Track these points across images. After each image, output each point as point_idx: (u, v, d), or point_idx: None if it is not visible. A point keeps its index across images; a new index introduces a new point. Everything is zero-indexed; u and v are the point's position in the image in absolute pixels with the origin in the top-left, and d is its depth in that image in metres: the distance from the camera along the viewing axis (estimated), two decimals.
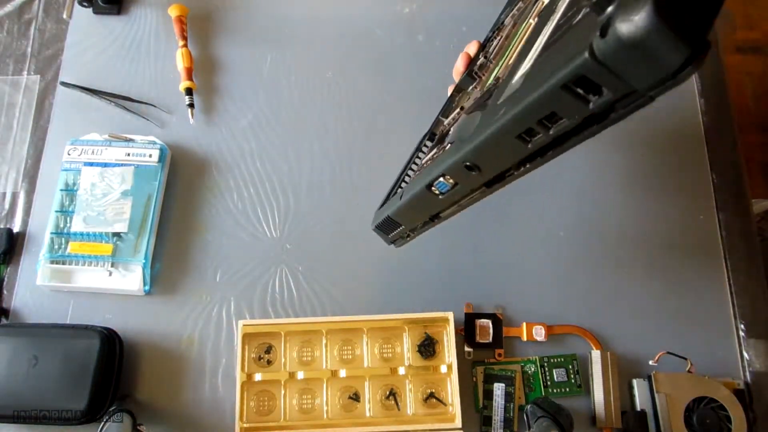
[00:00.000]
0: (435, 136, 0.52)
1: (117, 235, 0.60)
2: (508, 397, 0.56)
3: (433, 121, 0.54)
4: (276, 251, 0.63)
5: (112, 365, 0.55)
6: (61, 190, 0.62)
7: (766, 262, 0.63)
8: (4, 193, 0.66)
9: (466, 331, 0.58)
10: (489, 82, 0.43)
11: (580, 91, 0.26)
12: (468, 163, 0.36)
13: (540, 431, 0.51)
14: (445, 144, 0.43)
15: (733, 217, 0.64)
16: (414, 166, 0.53)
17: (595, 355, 0.57)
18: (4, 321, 0.60)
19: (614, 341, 0.59)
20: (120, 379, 0.56)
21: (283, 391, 0.56)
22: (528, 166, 0.33)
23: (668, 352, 0.56)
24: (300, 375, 0.56)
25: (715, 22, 0.25)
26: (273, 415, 0.56)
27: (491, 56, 0.51)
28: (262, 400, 0.56)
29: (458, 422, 0.54)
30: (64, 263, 0.60)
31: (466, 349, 0.58)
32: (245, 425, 0.54)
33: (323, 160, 0.66)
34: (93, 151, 0.63)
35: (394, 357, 0.57)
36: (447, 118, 0.52)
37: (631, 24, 0.22)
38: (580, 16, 0.27)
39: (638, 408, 0.56)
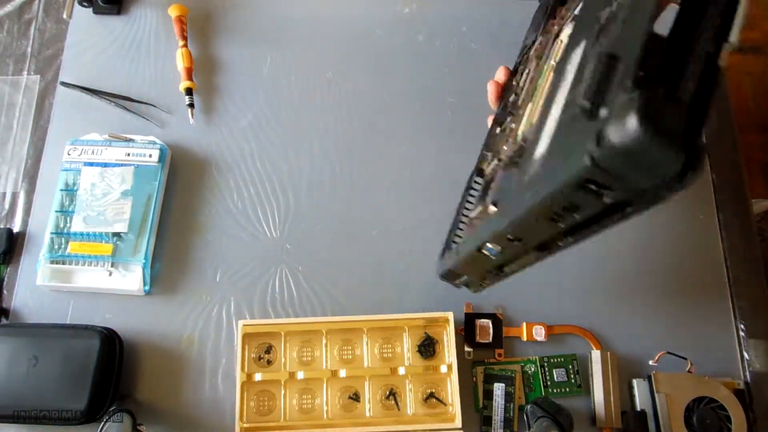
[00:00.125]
0: (483, 172, 0.51)
1: (117, 235, 0.60)
2: (508, 397, 0.56)
3: (479, 155, 0.53)
4: (276, 251, 0.63)
5: (112, 365, 0.55)
6: (61, 190, 0.62)
7: (766, 262, 0.63)
8: (4, 193, 0.66)
9: (466, 331, 0.58)
10: (518, 137, 0.43)
11: (592, 187, 0.26)
12: (509, 236, 0.36)
13: (540, 431, 0.51)
14: (487, 202, 0.43)
15: (733, 217, 0.64)
16: (465, 210, 0.51)
17: (595, 355, 0.57)
18: (4, 321, 0.60)
19: (614, 341, 0.59)
20: (120, 379, 0.56)
21: (283, 391, 0.56)
22: (571, 239, 0.34)
23: (668, 352, 0.56)
24: (300, 375, 0.56)
25: (703, 128, 0.25)
26: (273, 415, 0.56)
27: (521, 93, 0.50)
28: (262, 400, 0.56)
29: (458, 422, 0.54)
30: (64, 263, 0.60)
31: (466, 349, 0.58)
32: (245, 425, 0.55)
33: (323, 160, 0.66)
34: (93, 151, 0.63)
35: (394, 357, 0.57)
36: (489, 152, 0.52)
37: (622, 132, 0.22)
38: (578, 111, 0.27)
39: (638, 408, 0.56)
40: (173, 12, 0.70)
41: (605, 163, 0.24)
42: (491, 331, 0.58)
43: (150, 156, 0.63)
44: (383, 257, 0.62)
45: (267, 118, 0.68)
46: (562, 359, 0.58)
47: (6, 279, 0.62)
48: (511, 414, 0.56)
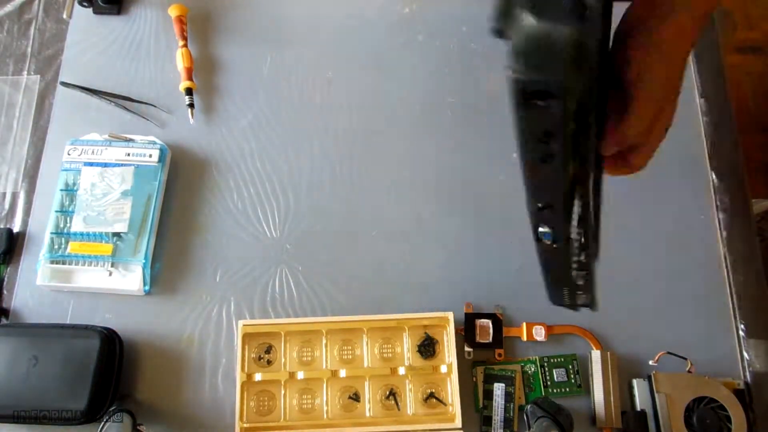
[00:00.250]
0: None
1: (117, 235, 0.60)
2: (508, 397, 0.56)
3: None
4: (276, 251, 0.63)
5: (112, 365, 0.55)
6: (61, 190, 0.62)
7: (766, 262, 0.63)
8: (4, 193, 0.66)
9: (466, 331, 0.58)
10: None
11: (538, 102, 0.28)
12: (539, 205, 0.38)
13: (540, 431, 0.51)
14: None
15: (733, 217, 0.64)
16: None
17: (595, 355, 0.57)
18: (4, 321, 0.60)
19: (614, 341, 0.59)
20: (120, 379, 0.56)
21: (283, 391, 0.56)
22: (580, 176, 0.35)
23: (668, 352, 0.56)
24: (300, 375, 0.56)
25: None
26: (273, 415, 0.56)
27: None
28: (262, 400, 0.56)
29: (458, 422, 0.54)
30: (64, 263, 0.60)
31: (466, 349, 0.58)
32: (245, 425, 0.55)
33: (323, 160, 0.66)
34: (93, 151, 0.63)
35: (394, 357, 0.57)
36: None
37: (519, 33, 0.27)
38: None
39: (638, 408, 0.56)
40: (173, 12, 0.70)
41: (521, 67, 0.27)
42: (491, 331, 0.58)
43: (150, 156, 0.63)
44: (383, 257, 0.62)
45: (267, 118, 0.68)
46: (562, 359, 0.58)
47: (6, 279, 0.62)
48: (511, 414, 0.56)
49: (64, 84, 0.69)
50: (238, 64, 0.71)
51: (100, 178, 0.62)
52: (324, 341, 0.58)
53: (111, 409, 0.53)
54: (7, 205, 0.65)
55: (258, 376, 0.56)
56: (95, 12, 0.72)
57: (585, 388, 0.57)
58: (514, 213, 0.64)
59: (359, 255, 0.62)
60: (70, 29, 0.72)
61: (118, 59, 0.70)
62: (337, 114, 0.68)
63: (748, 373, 0.58)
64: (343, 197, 0.65)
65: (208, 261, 0.62)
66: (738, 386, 0.57)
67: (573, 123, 0.30)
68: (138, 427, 0.54)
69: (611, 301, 0.60)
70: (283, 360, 0.57)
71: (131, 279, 0.60)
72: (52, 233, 0.60)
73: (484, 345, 0.58)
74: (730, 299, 0.61)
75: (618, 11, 0.44)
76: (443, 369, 0.56)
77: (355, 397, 0.56)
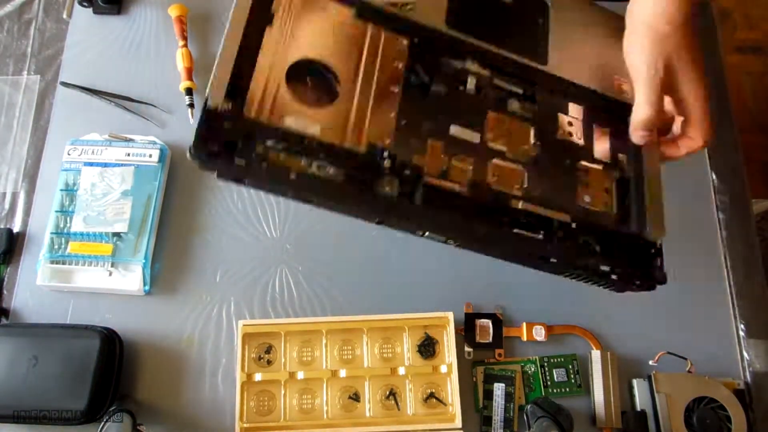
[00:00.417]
0: None
1: (117, 235, 0.60)
2: (508, 397, 0.56)
3: None
4: (276, 251, 0.63)
5: (112, 365, 0.55)
6: (61, 190, 0.62)
7: (766, 262, 0.63)
8: (4, 193, 0.66)
9: (466, 331, 0.58)
10: None
11: None
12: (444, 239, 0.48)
13: (540, 431, 0.51)
14: None
15: (733, 217, 0.64)
16: None
17: (595, 355, 0.57)
18: (4, 321, 0.60)
19: (614, 341, 0.59)
20: (120, 379, 0.56)
21: (283, 391, 0.56)
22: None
23: (668, 352, 0.56)
24: (300, 375, 0.56)
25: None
26: (273, 415, 0.56)
27: None
28: (262, 400, 0.56)
29: (458, 422, 0.54)
30: (64, 263, 0.60)
31: (466, 349, 0.58)
32: (245, 425, 0.55)
33: None
34: (93, 151, 0.63)
35: (394, 357, 0.57)
36: None
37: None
38: None
39: (638, 408, 0.56)
40: (173, 12, 0.70)
41: None
42: (491, 331, 0.58)
43: (150, 156, 0.63)
44: (383, 257, 0.62)
45: None
46: (562, 359, 0.58)
47: (6, 279, 0.62)
48: (511, 414, 0.56)
49: (64, 84, 0.69)
50: None
51: (100, 178, 0.62)
52: (324, 341, 0.58)
53: (111, 409, 0.53)
54: (7, 205, 0.65)
55: (258, 376, 0.56)
56: (95, 12, 0.72)
57: (585, 388, 0.57)
58: None
59: (359, 255, 0.62)
60: (70, 29, 0.72)
61: (118, 59, 0.70)
62: None
63: (748, 373, 0.58)
64: None
65: (208, 261, 0.62)
66: (738, 386, 0.57)
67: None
68: (138, 427, 0.54)
69: (611, 301, 0.60)
70: (283, 360, 0.57)
71: (131, 279, 0.60)
72: (52, 233, 0.60)
73: (484, 345, 0.58)
74: (730, 299, 0.61)
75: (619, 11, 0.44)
76: (443, 369, 0.56)
77: (355, 397, 0.56)
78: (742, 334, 0.60)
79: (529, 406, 0.54)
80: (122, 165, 0.63)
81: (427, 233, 0.49)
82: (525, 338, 0.58)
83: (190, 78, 0.68)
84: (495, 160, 0.50)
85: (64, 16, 0.72)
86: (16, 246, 0.63)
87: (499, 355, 0.58)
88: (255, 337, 0.58)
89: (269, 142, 0.43)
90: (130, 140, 0.65)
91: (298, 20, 0.48)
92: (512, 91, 0.53)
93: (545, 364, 0.58)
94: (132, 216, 0.60)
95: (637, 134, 0.53)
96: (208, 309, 0.60)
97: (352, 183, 0.44)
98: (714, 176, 0.66)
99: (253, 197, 0.65)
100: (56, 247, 0.60)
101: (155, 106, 0.68)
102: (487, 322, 0.59)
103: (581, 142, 0.53)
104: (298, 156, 0.43)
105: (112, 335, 0.56)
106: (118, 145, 0.64)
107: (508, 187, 0.49)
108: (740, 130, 0.68)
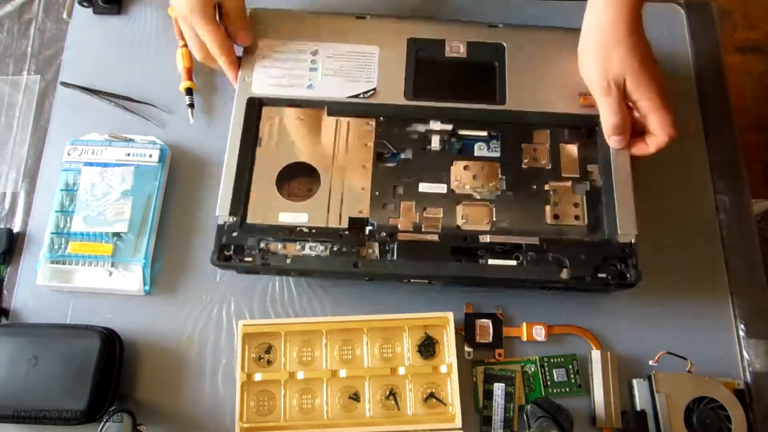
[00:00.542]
0: None
1: (117, 235, 0.60)
2: (508, 397, 0.56)
3: None
4: None
5: (112, 365, 0.55)
6: (61, 190, 0.62)
7: (766, 262, 0.63)
8: (4, 193, 0.66)
9: (466, 331, 0.58)
10: None
11: None
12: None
13: (540, 431, 0.51)
14: None
15: (733, 217, 0.64)
16: None
17: (595, 355, 0.57)
18: (4, 321, 0.60)
19: (614, 341, 0.59)
20: (120, 379, 0.56)
21: (283, 391, 0.56)
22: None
23: (668, 352, 0.56)
24: (300, 375, 0.56)
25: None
26: (273, 415, 0.56)
27: None
28: (262, 400, 0.56)
29: (458, 422, 0.54)
30: (64, 263, 0.60)
31: (466, 349, 0.58)
32: (245, 425, 0.55)
33: None
34: (93, 151, 0.63)
35: (394, 357, 0.57)
36: None
37: None
38: None
39: (638, 408, 0.56)
40: (173, 12, 0.69)
41: None
42: (491, 331, 0.58)
43: (150, 156, 0.63)
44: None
45: None
46: (562, 359, 0.58)
47: (6, 279, 0.62)
48: (511, 414, 0.56)
49: (64, 84, 0.69)
50: None
51: (100, 178, 0.62)
52: (324, 341, 0.58)
53: (111, 409, 0.53)
54: (7, 205, 0.65)
55: (258, 376, 0.56)
56: (95, 12, 0.72)
57: (585, 388, 0.57)
58: None
59: None
60: (70, 29, 0.72)
61: (118, 59, 0.70)
62: None
63: (748, 373, 0.58)
64: None
65: (208, 261, 0.62)
66: (738, 386, 0.57)
67: None
68: (138, 427, 0.54)
69: (611, 301, 0.60)
70: (283, 360, 0.57)
71: (131, 279, 0.60)
72: (52, 233, 0.60)
73: (484, 345, 0.58)
74: (730, 299, 0.61)
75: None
76: (443, 369, 0.56)
77: (355, 397, 0.56)
78: (742, 334, 0.60)
79: (529, 406, 0.54)
80: (122, 165, 0.63)
81: (411, 280, 0.57)
82: (525, 338, 0.58)
83: (190, 78, 0.68)
84: (463, 203, 0.57)
85: (64, 16, 0.72)
86: (16, 246, 0.63)
87: (499, 355, 0.58)
88: (255, 337, 0.58)
89: (269, 239, 0.55)
90: (130, 140, 0.65)
91: (281, 135, 0.60)
92: (476, 136, 0.59)
93: (545, 364, 0.58)
94: (132, 216, 0.60)
95: (612, 141, 0.57)
96: (208, 309, 0.60)
97: (340, 255, 0.54)
98: (714, 176, 0.66)
99: None
100: (56, 247, 0.60)
101: (155, 106, 0.68)
102: (487, 322, 0.59)
103: (548, 165, 0.58)
104: (293, 242, 0.55)
105: (112, 335, 0.56)
106: (118, 145, 0.64)
107: (477, 224, 0.56)
108: (740, 130, 0.68)
